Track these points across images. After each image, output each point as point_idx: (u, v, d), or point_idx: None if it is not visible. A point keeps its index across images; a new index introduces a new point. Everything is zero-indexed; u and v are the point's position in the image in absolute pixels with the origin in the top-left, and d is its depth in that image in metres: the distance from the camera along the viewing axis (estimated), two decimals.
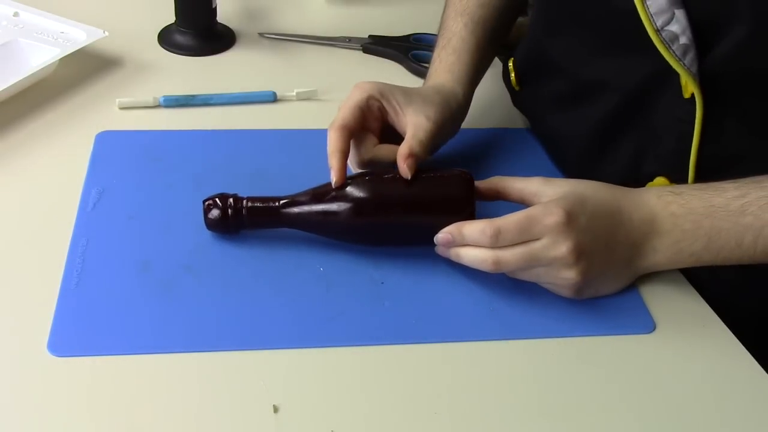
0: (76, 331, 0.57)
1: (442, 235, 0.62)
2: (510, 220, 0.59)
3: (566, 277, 0.60)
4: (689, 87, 0.63)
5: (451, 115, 0.72)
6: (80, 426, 0.51)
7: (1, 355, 0.55)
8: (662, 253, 0.62)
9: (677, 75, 0.63)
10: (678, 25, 0.61)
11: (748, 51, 0.59)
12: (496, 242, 0.59)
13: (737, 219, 0.59)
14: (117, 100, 0.81)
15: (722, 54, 0.61)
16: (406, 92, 0.71)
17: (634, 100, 0.69)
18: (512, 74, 0.85)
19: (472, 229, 0.61)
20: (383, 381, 0.57)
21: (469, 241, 0.61)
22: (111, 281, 0.61)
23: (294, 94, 0.85)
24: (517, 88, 0.85)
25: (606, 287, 0.64)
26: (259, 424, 0.53)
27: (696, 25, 0.61)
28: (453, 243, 0.62)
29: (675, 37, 0.61)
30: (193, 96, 0.83)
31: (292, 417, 0.53)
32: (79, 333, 0.57)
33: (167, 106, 0.83)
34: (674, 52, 0.61)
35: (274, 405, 0.54)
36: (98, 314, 0.59)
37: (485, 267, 0.61)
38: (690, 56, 0.61)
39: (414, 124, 0.68)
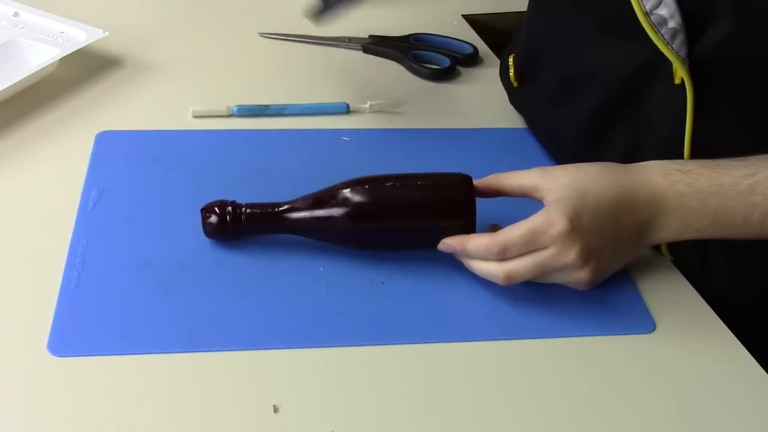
0: (76, 331, 0.57)
1: (444, 246, 0.63)
2: (514, 235, 0.59)
3: (579, 276, 0.61)
4: (678, 72, 0.63)
5: None
6: (80, 426, 0.51)
7: (1, 355, 0.55)
8: (668, 229, 0.62)
9: (668, 61, 0.63)
10: (667, 9, 0.61)
11: (734, 42, 0.60)
12: (503, 257, 0.60)
13: (746, 198, 0.59)
14: (191, 108, 0.81)
15: (710, 43, 0.61)
16: None
17: (626, 88, 0.69)
18: (511, 70, 0.85)
19: (476, 244, 0.61)
20: (383, 381, 0.57)
21: (474, 256, 0.62)
22: (111, 281, 0.61)
23: (367, 106, 0.84)
24: (515, 84, 0.85)
25: (615, 268, 0.65)
26: (259, 424, 0.52)
27: (685, 11, 0.61)
28: (456, 254, 0.63)
29: (664, 21, 0.61)
30: (266, 106, 0.83)
31: (292, 417, 0.53)
32: (79, 333, 0.57)
33: (241, 116, 0.82)
34: (663, 35, 0.61)
35: (274, 405, 0.54)
36: (98, 314, 0.59)
37: (497, 281, 0.61)
38: (679, 40, 0.62)
39: None
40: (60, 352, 0.56)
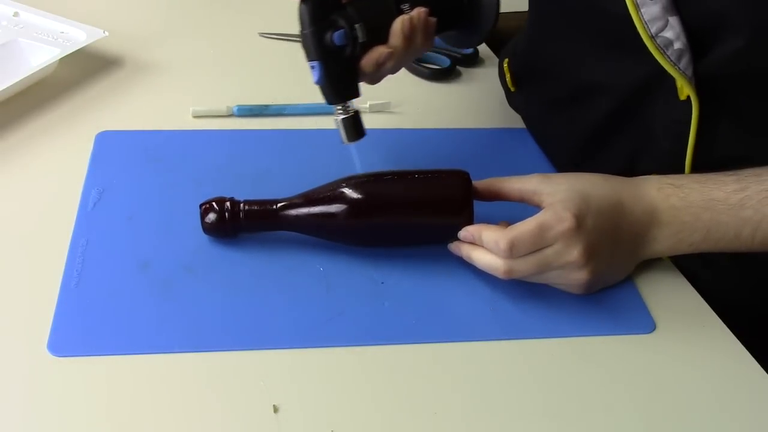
0: (76, 331, 0.57)
1: (465, 233, 0.63)
2: (523, 231, 0.59)
3: (577, 277, 0.61)
4: (685, 90, 0.63)
5: None
6: (80, 426, 0.51)
7: (1, 355, 0.55)
8: (662, 242, 0.63)
9: (672, 78, 0.63)
10: (672, 32, 0.61)
11: (745, 57, 0.60)
12: (510, 255, 0.60)
13: (737, 212, 0.59)
14: (191, 108, 0.81)
15: (718, 59, 0.61)
16: None
17: (629, 102, 0.69)
18: (507, 75, 0.85)
19: (487, 236, 0.61)
20: (383, 381, 0.57)
21: (485, 246, 0.62)
22: (111, 281, 0.61)
23: (367, 105, 0.84)
24: (512, 89, 0.85)
25: (612, 278, 0.65)
26: (259, 424, 0.52)
27: (690, 30, 0.62)
28: (472, 241, 0.63)
29: (669, 43, 0.62)
30: (266, 106, 0.83)
31: (292, 417, 0.53)
32: (79, 333, 0.57)
33: (241, 116, 0.82)
34: (669, 57, 0.62)
35: (274, 405, 0.54)
36: (98, 314, 0.59)
37: (497, 275, 0.61)
38: (685, 60, 0.62)
39: None
40: (60, 352, 0.56)
